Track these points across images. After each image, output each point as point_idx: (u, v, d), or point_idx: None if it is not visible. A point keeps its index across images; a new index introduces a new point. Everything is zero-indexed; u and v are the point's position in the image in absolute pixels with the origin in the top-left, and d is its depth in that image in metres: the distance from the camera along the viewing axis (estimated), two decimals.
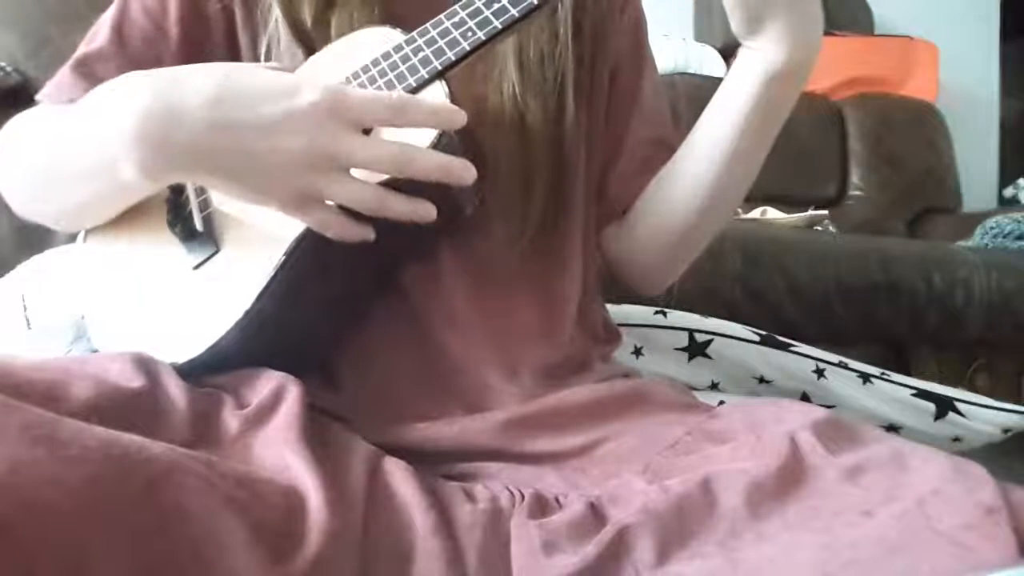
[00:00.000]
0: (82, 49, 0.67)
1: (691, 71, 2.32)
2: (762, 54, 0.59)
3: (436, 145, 0.53)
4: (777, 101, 0.62)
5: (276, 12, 0.63)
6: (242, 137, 0.49)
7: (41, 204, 0.64)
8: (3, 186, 0.64)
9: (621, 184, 0.73)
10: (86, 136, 0.55)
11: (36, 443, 0.36)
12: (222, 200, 0.60)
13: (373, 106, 0.50)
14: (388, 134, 0.53)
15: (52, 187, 0.61)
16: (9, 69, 1.38)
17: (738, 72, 0.62)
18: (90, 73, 0.65)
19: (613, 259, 0.76)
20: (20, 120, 0.64)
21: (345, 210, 0.52)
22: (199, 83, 0.50)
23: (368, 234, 0.53)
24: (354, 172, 0.51)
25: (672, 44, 2.37)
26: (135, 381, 0.49)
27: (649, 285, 0.78)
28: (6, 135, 0.64)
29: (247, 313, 0.54)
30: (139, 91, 0.51)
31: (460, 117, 0.51)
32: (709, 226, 0.71)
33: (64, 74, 0.67)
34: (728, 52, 2.44)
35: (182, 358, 0.55)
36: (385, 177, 0.51)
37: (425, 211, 0.52)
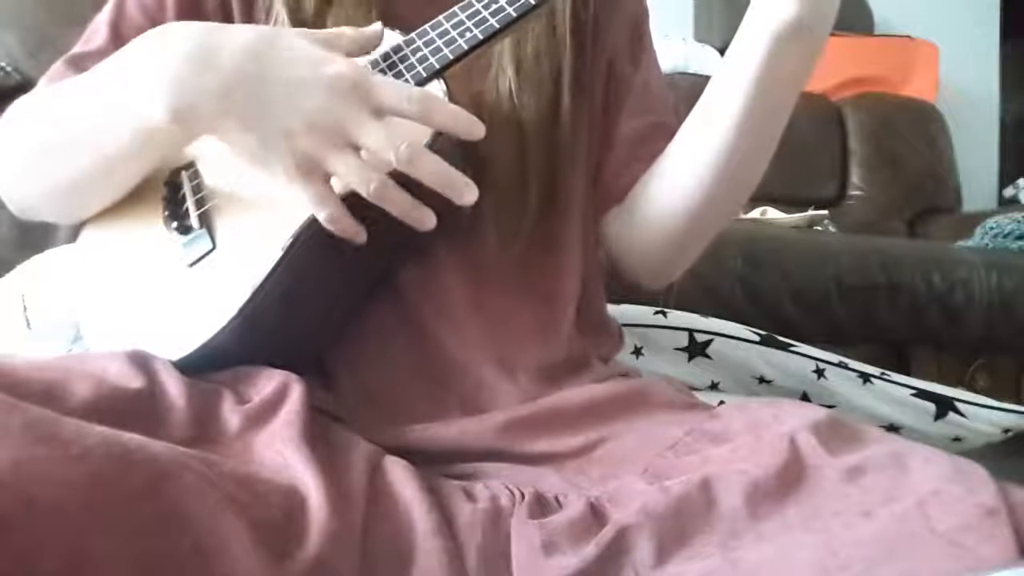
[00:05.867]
0: (78, 48, 0.67)
1: (691, 71, 2.32)
2: (769, 6, 0.54)
3: (434, 143, 0.53)
4: (789, 65, 0.56)
5: (279, 10, 0.63)
6: (264, 88, 0.51)
7: (40, 181, 0.63)
8: (1, 178, 0.64)
9: (615, 170, 0.71)
10: (109, 83, 0.57)
11: (37, 442, 0.36)
12: (219, 197, 0.60)
13: (395, 94, 0.51)
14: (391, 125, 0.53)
15: (55, 153, 0.61)
16: (9, 69, 1.38)
17: (746, 30, 0.56)
18: (85, 69, 0.64)
19: (613, 246, 0.74)
20: (16, 105, 0.64)
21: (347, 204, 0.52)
22: (241, 36, 0.53)
23: (360, 235, 0.53)
24: None
25: (672, 44, 2.37)
26: (135, 380, 0.49)
27: (650, 276, 0.74)
28: (2, 123, 0.64)
29: (241, 311, 0.54)
30: (181, 36, 0.54)
31: (479, 129, 0.52)
32: (714, 211, 0.66)
33: (57, 68, 0.67)
34: None
35: (177, 355, 0.55)
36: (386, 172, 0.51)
37: (424, 217, 0.53)
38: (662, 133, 0.69)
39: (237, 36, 0.53)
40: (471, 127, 0.52)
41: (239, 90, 0.51)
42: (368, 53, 0.57)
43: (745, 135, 0.59)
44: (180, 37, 0.54)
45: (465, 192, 0.52)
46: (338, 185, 0.52)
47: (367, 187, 0.51)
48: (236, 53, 0.52)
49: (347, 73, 0.51)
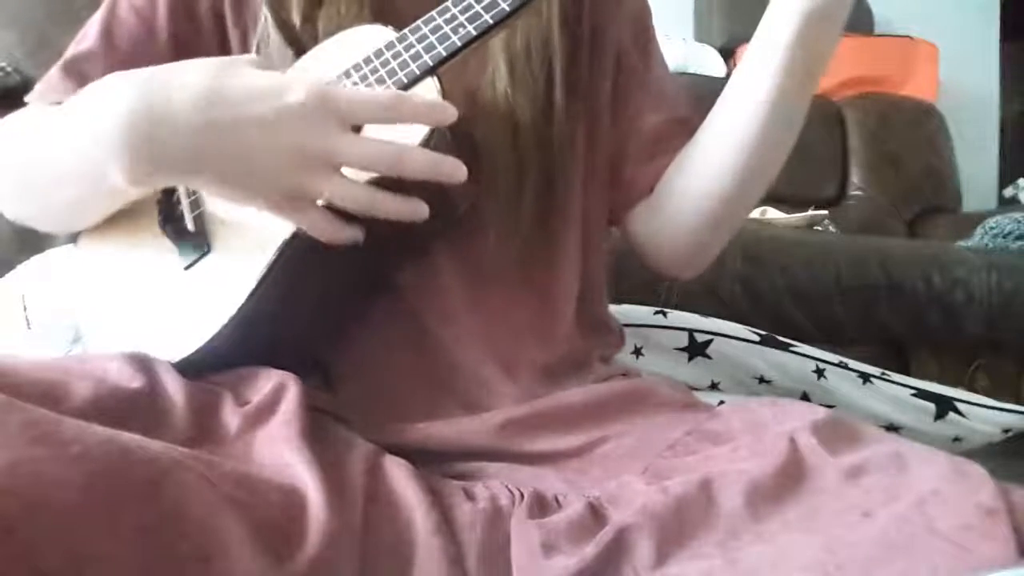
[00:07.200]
0: (71, 50, 0.67)
1: (691, 71, 2.32)
2: None
3: (428, 141, 0.53)
4: (816, 45, 0.60)
5: (264, 11, 0.63)
6: (231, 138, 0.48)
7: (27, 205, 0.63)
8: None
9: (635, 167, 0.72)
10: (70, 139, 0.54)
11: (37, 442, 0.36)
12: (213, 200, 0.60)
13: (363, 104, 0.49)
14: (381, 131, 0.52)
15: (36, 189, 0.60)
16: (9, 69, 1.38)
17: (775, 10, 0.60)
18: (79, 73, 0.65)
19: (642, 242, 0.74)
20: (7, 121, 0.64)
21: (335, 210, 0.51)
22: (185, 83, 0.50)
23: (357, 236, 0.52)
24: (344, 171, 0.50)
25: (672, 44, 2.37)
26: (134, 381, 0.49)
27: (681, 266, 0.74)
28: None
29: (238, 312, 0.54)
30: (123, 93, 0.50)
31: (451, 112, 0.51)
32: (747, 194, 0.67)
33: (53, 75, 0.66)
34: (728, 52, 2.44)
35: (176, 357, 0.55)
36: (373, 176, 0.51)
37: (417, 209, 0.51)
38: (683, 128, 0.70)
39: (185, 84, 0.49)
40: (444, 113, 0.51)
41: (205, 146, 0.48)
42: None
43: (776, 111, 0.62)
44: (126, 94, 0.49)
45: (455, 173, 0.50)
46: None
47: (355, 205, 0.50)
48: (187, 108, 0.48)
49: (309, 98, 0.48)
